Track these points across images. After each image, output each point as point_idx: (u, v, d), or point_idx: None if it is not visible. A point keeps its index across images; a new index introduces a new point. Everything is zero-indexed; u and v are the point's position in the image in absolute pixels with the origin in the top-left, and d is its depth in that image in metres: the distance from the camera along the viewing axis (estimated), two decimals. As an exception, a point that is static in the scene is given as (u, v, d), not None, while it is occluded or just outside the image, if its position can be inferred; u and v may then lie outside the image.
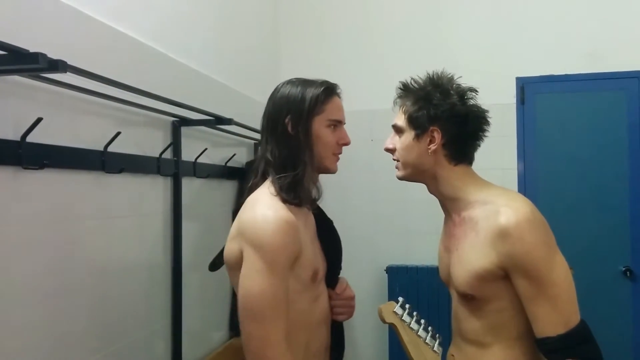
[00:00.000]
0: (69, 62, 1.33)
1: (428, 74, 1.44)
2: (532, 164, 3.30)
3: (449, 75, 1.43)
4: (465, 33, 3.43)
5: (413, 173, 1.45)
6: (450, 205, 1.45)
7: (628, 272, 3.13)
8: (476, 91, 1.42)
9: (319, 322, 1.42)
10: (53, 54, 1.30)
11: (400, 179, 1.50)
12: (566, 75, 3.26)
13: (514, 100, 3.32)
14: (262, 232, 1.25)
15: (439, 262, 1.56)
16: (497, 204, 1.31)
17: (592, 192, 3.21)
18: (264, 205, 1.30)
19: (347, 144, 1.44)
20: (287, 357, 1.24)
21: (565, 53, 3.26)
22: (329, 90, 1.41)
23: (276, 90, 1.44)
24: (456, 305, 1.47)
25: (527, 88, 3.31)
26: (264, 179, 1.41)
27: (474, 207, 1.36)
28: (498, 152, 3.20)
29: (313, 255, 1.37)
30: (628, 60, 3.17)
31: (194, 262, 2.29)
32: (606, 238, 3.19)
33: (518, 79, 3.32)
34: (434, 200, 1.53)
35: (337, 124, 1.42)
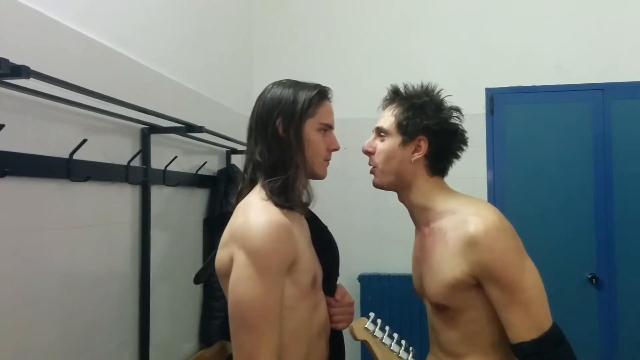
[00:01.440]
0: (33, 68, 1.30)
1: (422, 84, 1.46)
2: (501, 173, 3.36)
3: (440, 90, 1.46)
4: (437, 45, 3.47)
5: (391, 181, 1.45)
6: (419, 215, 1.46)
7: (594, 279, 3.20)
8: (461, 112, 1.45)
9: (320, 332, 1.35)
10: (16, 59, 1.27)
11: (377, 185, 1.49)
12: (534, 87, 3.33)
13: (484, 111, 3.37)
14: (253, 237, 1.18)
15: (413, 274, 1.57)
16: (465, 213, 1.32)
17: (558, 200, 3.27)
18: (256, 210, 1.24)
19: (337, 149, 1.41)
20: None
21: (534, 65, 3.34)
22: (322, 94, 1.38)
23: (266, 90, 1.38)
24: (431, 316, 1.48)
25: (496, 99, 3.37)
26: (252, 182, 1.35)
27: (442, 217, 1.37)
28: (468, 161, 3.20)
29: (311, 260, 1.31)
30: (592, 73, 3.26)
31: (163, 273, 2.25)
32: (572, 245, 3.25)
33: (488, 90, 3.38)
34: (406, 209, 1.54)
35: (328, 128, 1.39)
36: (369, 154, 1.48)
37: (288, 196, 1.29)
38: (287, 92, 1.34)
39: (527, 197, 3.31)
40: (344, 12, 3.61)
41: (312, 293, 1.30)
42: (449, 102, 1.46)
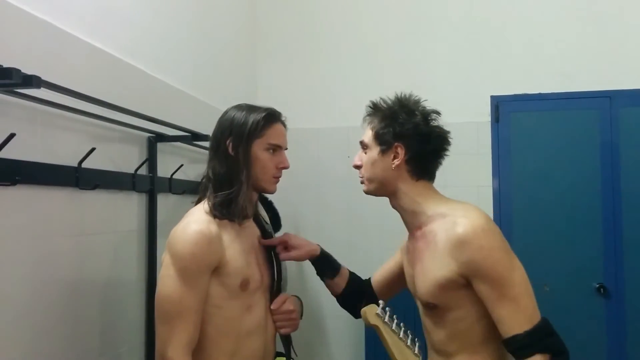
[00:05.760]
0: (43, 78, 1.32)
1: (396, 94, 1.55)
2: (506, 181, 3.34)
3: (416, 98, 1.54)
4: (441, 52, 3.48)
5: (377, 187, 1.54)
6: (410, 220, 1.53)
7: (602, 289, 3.17)
8: (439, 113, 1.53)
9: (250, 331, 1.48)
10: (27, 69, 1.28)
11: (366, 192, 1.59)
12: (540, 94, 3.32)
13: (489, 119, 3.35)
14: (176, 242, 1.39)
15: (405, 275, 1.64)
16: (455, 216, 1.39)
17: (565, 209, 3.26)
18: (190, 219, 1.44)
19: (285, 167, 1.55)
20: None
21: (539, 72, 3.33)
22: (271, 117, 1.52)
23: (224, 112, 1.55)
24: (423, 317, 1.56)
25: (501, 106, 3.36)
26: (206, 195, 1.51)
27: (433, 220, 1.45)
28: (473, 169, 3.23)
29: (244, 266, 1.46)
30: (599, 80, 3.24)
31: (169, 280, 2.26)
32: (580, 255, 3.22)
33: (493, 98, 3.36)
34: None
35: (277, 148, 1.53)
36: (358, 167, 1.57)
37: (229, 209, 1.45)
38: (239, 115, 1.51)
39: (533, 206, 3.30)
40: (348, 20, 3.62)
41: (244, 295, 1.46)
42: (428, 106, 1.53)
